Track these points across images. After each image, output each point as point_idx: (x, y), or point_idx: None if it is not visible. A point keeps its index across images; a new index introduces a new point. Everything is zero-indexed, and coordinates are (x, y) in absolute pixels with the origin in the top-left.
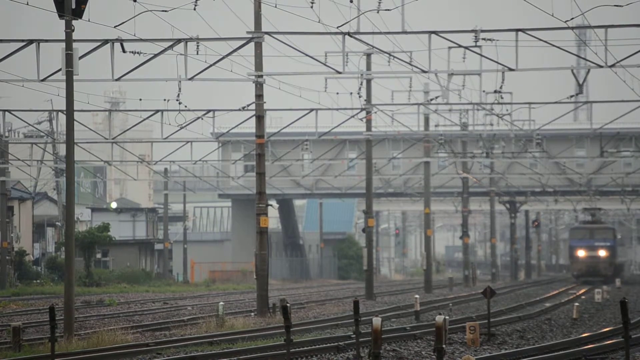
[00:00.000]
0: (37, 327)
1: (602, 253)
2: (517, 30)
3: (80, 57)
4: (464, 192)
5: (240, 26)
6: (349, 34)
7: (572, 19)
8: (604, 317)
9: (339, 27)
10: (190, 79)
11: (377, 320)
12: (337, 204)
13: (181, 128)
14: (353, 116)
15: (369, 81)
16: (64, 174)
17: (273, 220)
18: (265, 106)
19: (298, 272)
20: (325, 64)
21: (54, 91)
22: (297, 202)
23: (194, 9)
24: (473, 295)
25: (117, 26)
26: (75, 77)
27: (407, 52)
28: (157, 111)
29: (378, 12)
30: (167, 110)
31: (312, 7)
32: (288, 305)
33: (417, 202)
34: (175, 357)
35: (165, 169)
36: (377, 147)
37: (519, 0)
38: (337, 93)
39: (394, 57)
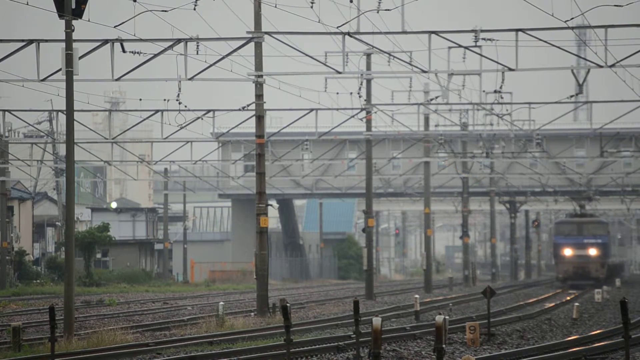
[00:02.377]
0: (37, 327)
1: (593, 252)
2: (517, 30)
3: (80, 57)
4: (464, 192)
5: (240, 26)
6: (349, 34)
7: (572, 19)
8: (604, 317)
9: (339, 27)
10: (190, 79)
11: (377, 320)
12: (337, 204)
13: (181, 128)
14: (353, 116)
15: (369, 81)
16: (64, 174)
17: (273, 220)
18: (265, 106)
19: (298, 272)
20: (325, 64)
21: (54, 91)
22: (297, 202)
23: (194, 9)
24: (473, 295)
25: (117, 26)
26: (75, 77)
27: (407, 52)
28: (157, 111)
29: (378, 12)
30: (167, 110)
31: (312, 7)
32: (288, 305)
33: (417, 202)
34: (175, 357)
35: (165, 169)
36: (377, 147)
37: (519, 0)
38: (337, 93)
39: (394, 57)
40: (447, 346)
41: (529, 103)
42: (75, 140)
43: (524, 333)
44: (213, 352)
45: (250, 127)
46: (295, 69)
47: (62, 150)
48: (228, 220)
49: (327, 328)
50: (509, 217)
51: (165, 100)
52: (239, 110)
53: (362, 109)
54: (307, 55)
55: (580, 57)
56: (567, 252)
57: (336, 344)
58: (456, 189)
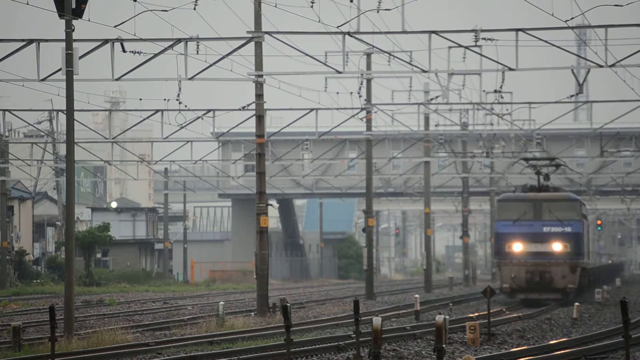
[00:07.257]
0: (37, 326)
1: (557, 247)
2: (517, 30)
3: (80, 57)
4: (464, 192)
5: (240, 26)
6: (349, 33)
7: (572, 18)
8: (604, 317)
9: (339, 26)
10: (190, 79)
11: (377, 320)
12: (337, 203)
13: (181, 128)
14: (353, 116)
15: (369, 81)
16: (64, 174)
17: (273, 220)
18: (265, 106)
19: (298, 272)
20: (325, 64)
21: (54, 91)
22: (297, 202)
23: (194, 9)
24: (473, 295)
25: (117, 26)
26: (75, 77)
27: (407, 51)
28: (157, 111)
29: (378, 12)
30: (167, 110)
31: (312, 6)
32: (288, 305)
33: (417, 202)
34: (175, 357)
35: (165, 169)
36: (377, 147)
37: (519, 0)
38: (337, 93)
39: (394, 56)
40: (447, 346)
41: (529, 103)
42: (75, 140)
43: (524, 333)
44: (213, 352)
45: (251, 126)
46: (295, 69)
47: (62, 150)
48: (228, 220)
49: (327, 328)
50: None
51: (165, 100)
52: (239, 110)
53: (362, 109)
54: (307, 55)
55: (580, 57)
56: (517, 247)
57: (336, 343)
58: (456, 189)
